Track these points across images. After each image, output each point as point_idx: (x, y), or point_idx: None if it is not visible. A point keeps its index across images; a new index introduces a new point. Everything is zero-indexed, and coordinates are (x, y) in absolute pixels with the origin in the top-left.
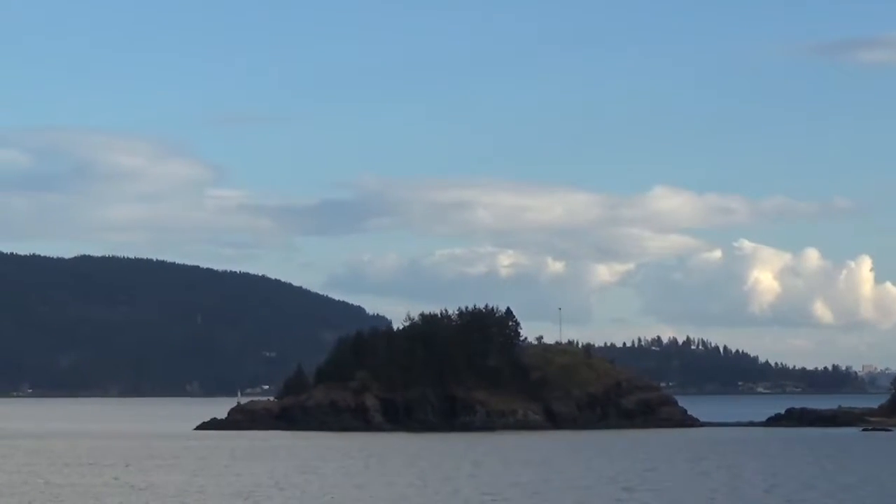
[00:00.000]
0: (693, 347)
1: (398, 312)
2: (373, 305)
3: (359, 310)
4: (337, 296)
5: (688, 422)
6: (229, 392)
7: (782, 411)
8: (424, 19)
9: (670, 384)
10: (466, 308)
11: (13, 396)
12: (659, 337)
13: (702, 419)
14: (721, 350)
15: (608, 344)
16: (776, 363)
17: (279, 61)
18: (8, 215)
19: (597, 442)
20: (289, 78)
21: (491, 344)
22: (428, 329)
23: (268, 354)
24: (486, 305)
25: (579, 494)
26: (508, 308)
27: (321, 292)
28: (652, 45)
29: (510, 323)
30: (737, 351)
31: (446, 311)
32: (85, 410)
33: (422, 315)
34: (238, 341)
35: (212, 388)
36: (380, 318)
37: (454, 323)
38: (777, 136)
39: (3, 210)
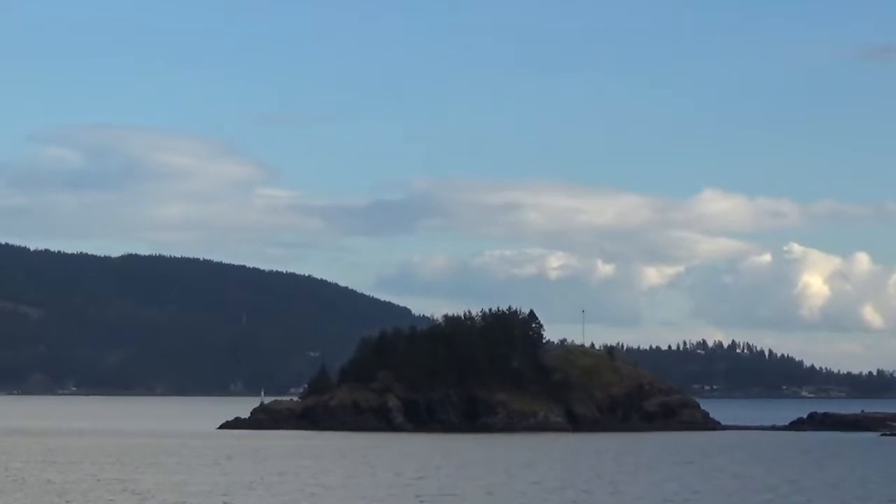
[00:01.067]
0: (738, 351)
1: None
2: (421, 306)
3: (405, 310)
4: (386, 296)
5: (709, 425)
6: (273, 391)
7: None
8: (474, 19)
9: (714, 387)
10: (490, 310)
11: (58, 394)
12: (704, 340)
13: (728, 422)
14: (766, 354)
15: (653, 347)
16: (821, 367)
17: (332, 61)
18: (57, 214)
19: (599, 444)
20: (340, 78)
21: (513, 345)
22: (451, 330)
23: (312, 354)
24: (510, 307)
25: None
26: (532, 310)
27: (369, 293)
28: (704, 47)
29: (533, 325)
30: (782, 355)
31: (469, 312)
32: (117, 408)
33: (445, 316)
34: (282, 341)
35: (255, 388)
36: (425, 319)
37: (477, 324)
38: (828, 140)
39: (53, 208)
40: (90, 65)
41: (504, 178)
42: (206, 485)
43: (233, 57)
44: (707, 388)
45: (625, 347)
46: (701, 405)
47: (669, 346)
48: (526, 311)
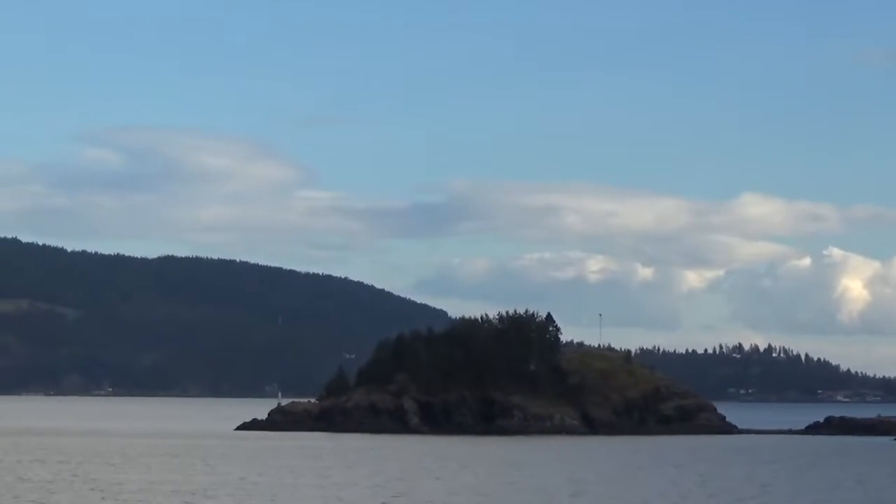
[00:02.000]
0: (774, 355)
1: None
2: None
3: (441, 313)
4: (424, 299)
5: (725, 428)
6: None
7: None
8: (515, 20)
9: (750, 391)
10: (507, 312)
11: (93, 395)
12: (740, 344)
13: (747, 426)
14: (803, 358)
15: (689, 351)
16: (857, 372)
17: (372, 63)
18: (97, 215)
19: (601, 447)
20: (381, 79)
21: (530, 348)
22: (467, 332)
23: (347, 356)
24: (527, 310)
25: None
26: (549, 313)
27: (408, 296)
28: (743, 51)
29: (550, 327)
30: (819, 359)
31: (486, 315)
32: (145, 409)
33: (462, 319)
34: (318, 343)
35: (291, 390)
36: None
37: (494, 327)
38: (868, 144)
39: (93, 210)
40: (131, 66)
41: (543, 181)
42: (185, 484)
43: (273, 58)
44: (742, 391)
45: (661, 351)
46: (734, 409)
47: (706, 350)
48: (561, 313)
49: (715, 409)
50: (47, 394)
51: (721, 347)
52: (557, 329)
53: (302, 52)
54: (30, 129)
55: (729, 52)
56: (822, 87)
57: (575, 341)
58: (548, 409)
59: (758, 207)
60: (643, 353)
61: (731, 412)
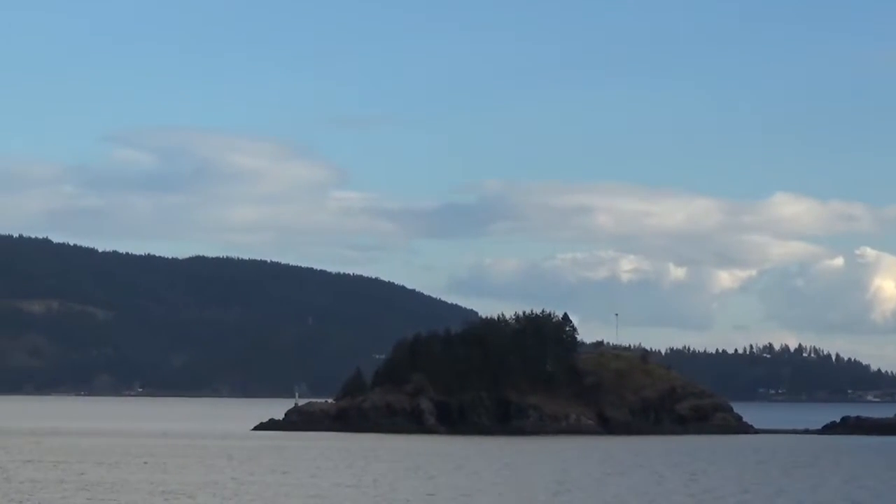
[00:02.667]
0: (805, 355)
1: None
2: (492, 309)
3: (472, 313)
4: (456, 299)
5: (742, 428)
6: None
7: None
8: (545, 22)
9: (780, 391)
10: (524, 313)
11: (124, 395)
12: (770, 344)
13: (764, 426)
14: (833, 358)
15: (720, 351)
16: (888, 371)
17: (404, 64)
18: (129, 215)
19: (607, 447)
20: (413, 81)
21: (546, 348)
22: (484, 333)
23: (377, 356)
24: (544, 310)
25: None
26: (566, 313)
27: (439, 296)
28: (775, 50)
29: (567, 328)
30: (849, 359)
31: (503, 315)
32: (170, 409)
33: (480, 319)
34: (348, 343)
35: (321, 390)
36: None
37: (511, 327)
38: None
39: (125, 210)
40: (163, 67)
41: (575, 181)
42: (179, 484)
43: (306, 59)
44: (772, 391)
45: (691, 351)
46: (763, 409)
47: (736, 350)
48: (593, 313)
49: (731, 409)
50: (78, 394)
51: (751, 347)
52: (574, 329)
53: (335, 53)
54: (62, 131)
55: (762, 53)
56: (855, 87)
57: (605, 341)
58: (564, 410)
59: (790, 207)
60: (673, 352)
61: (760, 412)
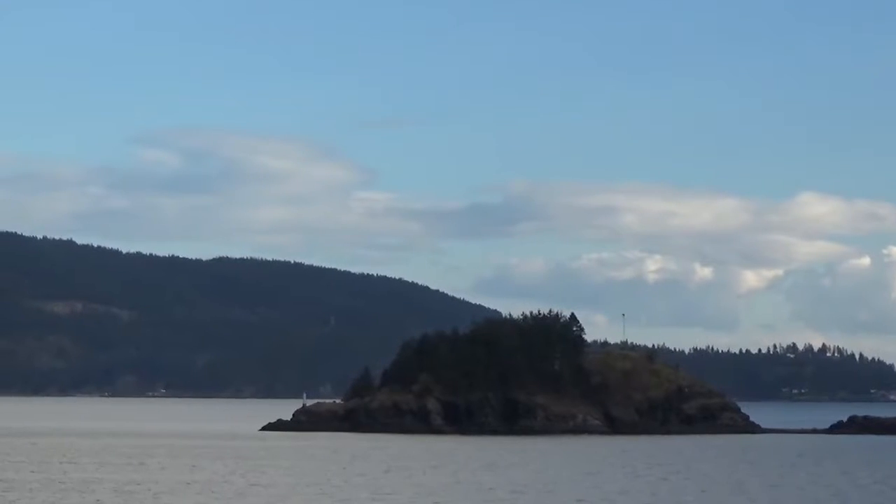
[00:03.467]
0: (828, 354)
1: None
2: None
3: (495, 313)
4: (481, 299)
5: (749, 428)
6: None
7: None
8: (571, 22)
9: (802, 391)
10: (531, 313)
11: (148, 396)
12: (794, 344)
13: (771, 426)
14: (857, 357)
15: (743, 351)
16: None
17: (429, 64)
18: (155, 216)
19: (602, 447)
20: (438, 81)
21: (553, 348)
22: (491, 332)
23: None
24: (551, 311)
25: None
26: (573, 313)
27: (461, 296)
28: (800, 49)
29: (574, 328)
30: (873, 358)
31: (511, 315)
32: (187, 410)
33: (486, 319)
34: (371, 343)
35: (343, 390)
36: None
37: (518, 327)
38: None
39: (151, 212)
40: (189, 68)
41: (601, 181)
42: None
43: (331, 60)
44: (795, 391)
45: (714, 351)
46: (784, 408)
47: (759, 350)
48: (619, 312)
49: (739, 409)
50: (102, 395)
51: (775, 347)
52: (581, 329)
53: (361, 54)
54: (88, 132)
55: (788, 51)
56: (881, 85)
57: (628, 341)
58: (570, 410)
59: (816, 207)
60: (696, 352)
61: (779, 412)
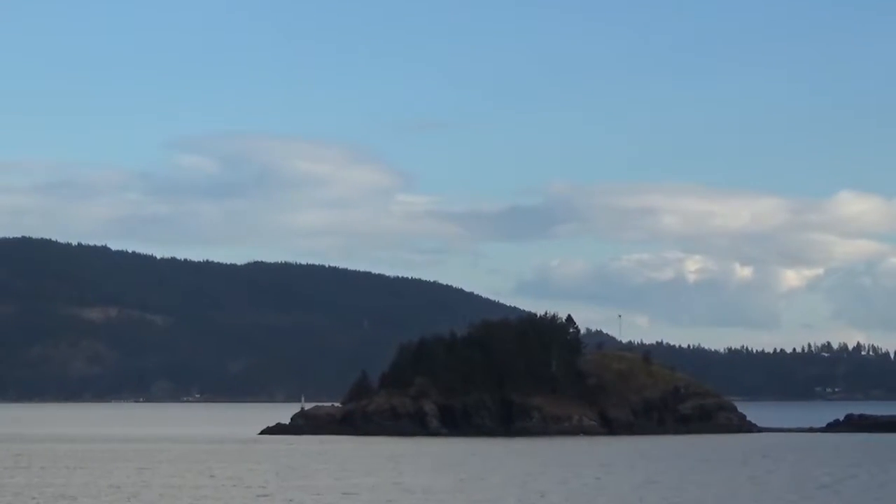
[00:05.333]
0: (864, 353)
1: (584, 318)
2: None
3: (530, 315)
4: (523, 301)
5: (745, 427)
6: None
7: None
8: (609, 22)
9: (836, 389)
10: (528, 315)
11: (182, 401)
12: (829, 342)
13: (769, 425)
14: (892, 355)
15: (778, 350)
16: None
17: (467, 67)
18: (192, 222)
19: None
20: (477, 83)
21: (549, 350)
22: (487, 335)
23: None
24: (546, 313)
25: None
26: (569, 315)
27: (499, 299)
28: (839, 47)
29: (570, 330)
30: None
31: (507, 317)
32: (210, 415)
33: (483, 321)
34: None
35: None
36: None
37: (514, 329)
38: None
39: (188, 217)
40: (227, 72)
41: (640, 182)
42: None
43: (370, 63)
44: (829, 390)
45: (748, 350)
46: (816, 407)
47: (794, 349)
48: (660, 313)
49: (735, 409)
50: (137, 400)
51: (810, 346)
52: (578, 331)
53: (399, 57)
54: (125, 138)
55: (824, 50)
56: None
57: (664, 342)
58: (566, 411)
59: (855, 205)
60: (731, 352)
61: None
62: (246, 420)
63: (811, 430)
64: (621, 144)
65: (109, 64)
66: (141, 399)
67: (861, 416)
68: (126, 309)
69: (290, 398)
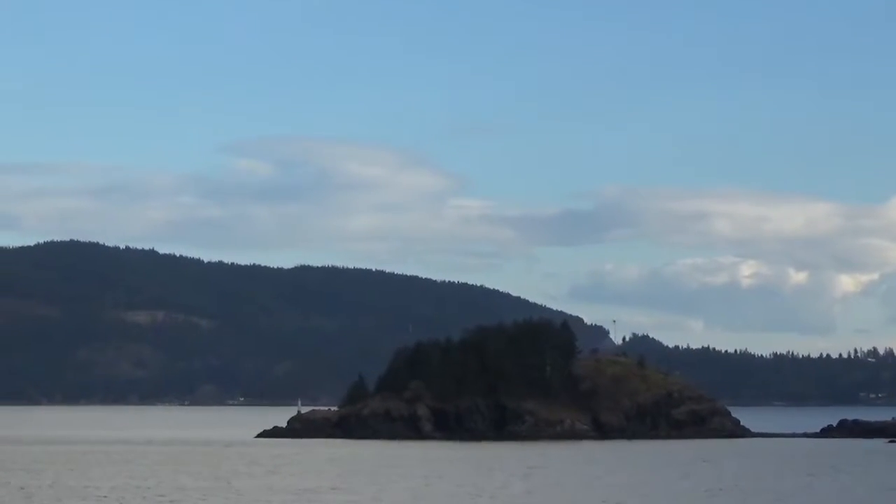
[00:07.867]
0: None
1: (634, 323)
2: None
3: (577, 320)
4: (575, 307)
5: (738, 432)
6: None
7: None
8: (660, 28)
9: (880, 395)
10: (522, 320)
11: (227, 405)
12: (875, 348)
13: (762, 430)
14: None
15: (823, 355)
16: None
17: (521, 71)
18: (246, 226)
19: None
20: (531, 88)
21: (543, 355)
22: (482, 340)
23: None
24: (541, 317)
25: None
26: (564, 321)
27: (546, 303)
28: (890, 53)
29: (565, 335)
30: None
31: (501, 322)
32: (235, 418)
33: (478, 326)
34: None
35: None
36: (597, 329)
37: (508, 334)
38: None
39: (243, 221)
40: (281, 76)
41: (694, 187)
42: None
43: (424, 68)
44: (872, 395)
45: (794, 355)
46: (857, 413)
47: (840, 354)
48: (715, 317)
49: (728, 414)
50: (182, 404)
51: (856, 352)
52: (573, 337)
53: (453, 62)
54: (180, 141)
55: (876, 55)
56: None
57: (712, 347)
58: (558, 415)
59: None
60: (776, 357)
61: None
62: (267, 424)
63: (805, 435)
64: (674, 149)
65: (167, 68)
66: (186, 402)
67: (854, 422)
68: (172, 312)
69: (332, 402)
